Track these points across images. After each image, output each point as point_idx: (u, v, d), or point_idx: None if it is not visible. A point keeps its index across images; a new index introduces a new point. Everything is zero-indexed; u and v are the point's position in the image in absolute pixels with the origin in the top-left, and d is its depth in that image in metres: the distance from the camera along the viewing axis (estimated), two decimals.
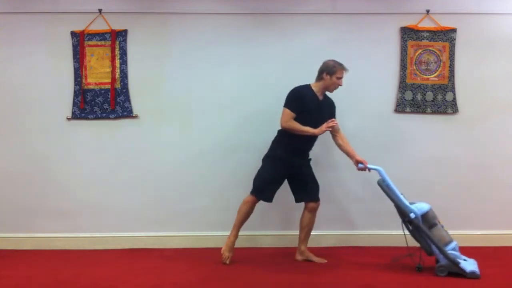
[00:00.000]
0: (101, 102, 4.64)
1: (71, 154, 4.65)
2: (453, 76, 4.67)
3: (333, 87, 4.15)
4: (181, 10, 4.63)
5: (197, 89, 4.66)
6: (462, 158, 4.69)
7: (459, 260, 3.80)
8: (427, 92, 4.66)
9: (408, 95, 4.66)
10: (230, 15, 4.64)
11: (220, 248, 4.20)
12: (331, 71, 4.10)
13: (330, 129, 4.11)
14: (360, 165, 4.11)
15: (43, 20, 4.60)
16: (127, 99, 4.65)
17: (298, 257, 4.27)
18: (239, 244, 4.34)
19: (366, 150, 4.65)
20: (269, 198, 4.20)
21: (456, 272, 3.78)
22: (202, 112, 4.67)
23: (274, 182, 4.19)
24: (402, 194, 3.99)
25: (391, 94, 4.69)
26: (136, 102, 4.66)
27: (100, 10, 4.61)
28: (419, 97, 4.67)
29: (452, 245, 3.86)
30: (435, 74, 4.67)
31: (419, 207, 3.92)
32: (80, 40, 4.59)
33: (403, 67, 4.66)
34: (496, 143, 4.70)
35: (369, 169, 4.09)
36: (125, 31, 4.63)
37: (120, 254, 4.50)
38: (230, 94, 4.65)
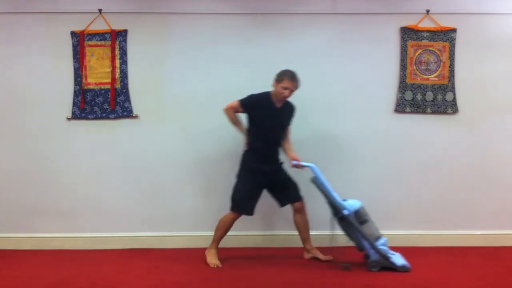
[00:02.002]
0: (101, 102, 4.64)
1: (71, 154, 4.65)
2: (453, 76, 4.67)
3: (279, 95, 4.09)
4: (181, 10, 4.63)
5: (197, 89, 4.66)
6: (462, 158, 4.69)
7: (390, 255, 3.92)
8: (427, 92, 4.66)
9: (408, 95, 4.66)
10: (230, 15, 4.64)
11: (220, 248, 4.20)
12: (278, 79, 4.08)
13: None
14: (294, 162, 4.12)
15: (43, 20, 4.60)
16: (127, 99, 4.65)
17: (306, 256, 4.30)
18: (239, 244, 4.35)
19: (366, 150, 4.67)
20: (250, 212, 4.16)
21: (387, 266, 3.89)
22: (202, 112, 4.67)
23: (253, 194, 4.16)
24: (335, 191, 4.04)
25: (391, 94, 4.69)
26: (136, 102, 4.66)
27: (100, 10, 4.61)
28: (419, 97, 4.67)
29: (382, 240, 3.97)
30: (435, 74, 4.67)
31: (352, 204, 4.00)
32: (80, 40, 4.60)
33: (403, 67, 4.66)
34: (496, 143, 4.70)
35: (303, 166, 4.11)
36: (125, 31, 4.63)
37: (120, 254, 4.50)
38: (230, 94, 4.63)
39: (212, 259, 4.13)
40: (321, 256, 4.24)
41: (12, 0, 4.60)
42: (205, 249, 4.30)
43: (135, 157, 4.66)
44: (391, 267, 3.89)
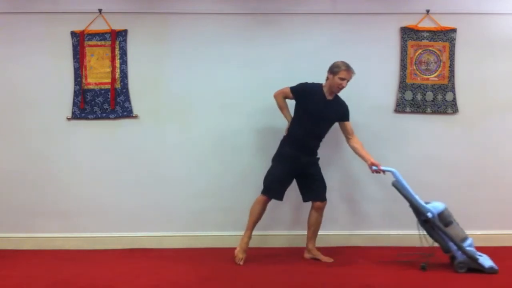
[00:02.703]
0: (101, 102, 4.64)
1: (71, 154, 4.65)
2: (453, 76, 4.67)
3: (335, 87, 4.16)
4: (181, 10, 4.63)
5: (197, 89, 4.66)
6: (462, 158, 4.69)
7: (477, 256, 3.89)
8: (427, 92, 4.66)
9: (408, 95, 4.66)
10: (230, 15, 4.64)
11: (220, 248, 4.21)
12: (334, 71, 4.12)
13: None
14: (374, 168, 4.12)
15: (43, 20, 4.60)
16: (127, 99, 4.65)
17: (306, 255, 4.31)
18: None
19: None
20: (279, 197, 4.23)
21: (475, 268, 3.87)
22: (202, 112, 4.67)
23: (284, 180, 4.22)
24: (416, 194, 4.04)
25: (391, 94, 4.69)
26: (136, 102, 4.66)
27: (100, 10, 4.61)
28: (419, 97, 4.67)
29: (469, 241, 3.96)
30: (435, 74, 4.67)
31: (435, 206, 4.00)
32: (80, 40, 4.59)
33: (403, 67, 4.66)
34: (496, 143, 4.70)
35: (384, 171, 4.12)
36: (125, 31, 4.63)
37: (120, 254, 4.50)
38: (230, 94, 4.66)
39: (240, 252, 4.15)
40: (321, 257, 4.24)
41: (12, 0, 4.60)
42: (205, 249, 4.31)
43: (135, 157, 4.66)
44: (479, 269, 3.86)
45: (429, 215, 3.94)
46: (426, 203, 4.01)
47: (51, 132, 4.64)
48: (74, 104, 4.63)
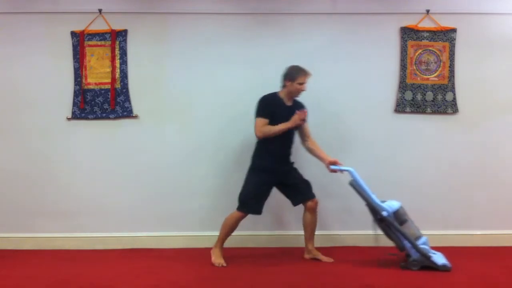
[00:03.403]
0: (101, 102, 4.64)
1: (71, 154, 4.65)
2: (453, 76, 4.67)
3: (296, 92, 4.15)
4: (181, 10, 4.63)
5: (197, 89, 4.66)
6: (462, 158, 4.69)
7: (431, 254, 3.93)
8: (427, 92, 4.67)
9: (408, 95, 4.67)
10: (230, 15, 4.64)
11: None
12: (292, 78, 4.10)
13: (303, 118, 4.09)
14: (332, 167, 4.10)
15: (43, 20, 4.60)
16: (127, 99, 4.65)
17: (306, 256, 4.29)
18: (239, 244, 4.35)
19: (366, 150, 4.67)
20: (257, 211, 4.16)
21: (428, 265, 3.90)
22: (202, 112, 4.67)
23: (261, 193, 4.16)
24: (373, 193, 4.04)
25: (391, 94, 4.69)
26: (136, 102, 4.66)
27: (100, 10, 4.61)
28: (419, 97, 4.67)
29: (423, 240, 3.98)
30: (435, 74, 4.67)
31: (390, 205, 4.01)
32: (80, 40, 4.60)
33: (403, 67, 4.66)
34: (496, 143, 4.70)
35: (341, 171, 4.11)
36: (125, 31, 4.63)
37: (120, 254, 4.50)
38: (230, 94, 4.66)
39: (217, 258, 4.13)
40: (321, 257, 4.24)
41: (12, 0, 4.60)
42: (205, 249, 4.31)
43: (135, 157, 4.66)
44: (432, 266, 3.89)
45: (385, 213, 3.96)
46: (382, 201, 4.02)
47: (51, 132, 4.64)
48: (74, 104, 4.63)
